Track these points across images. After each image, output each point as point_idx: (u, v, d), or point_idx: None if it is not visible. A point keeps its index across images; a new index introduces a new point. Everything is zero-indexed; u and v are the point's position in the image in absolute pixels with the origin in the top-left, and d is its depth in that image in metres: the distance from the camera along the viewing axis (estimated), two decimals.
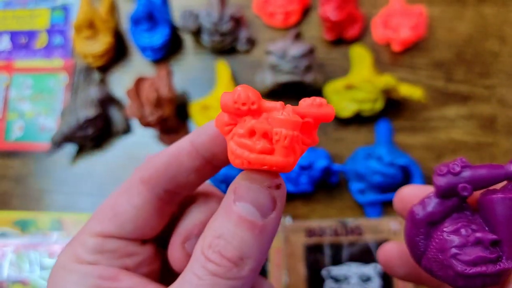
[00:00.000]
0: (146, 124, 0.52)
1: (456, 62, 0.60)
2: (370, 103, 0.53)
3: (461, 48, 0.61)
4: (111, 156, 0.58)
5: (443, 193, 0.19)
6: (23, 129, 0.61)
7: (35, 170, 0.59)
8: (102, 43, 0.59)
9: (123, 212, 0.21)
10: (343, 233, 0.49)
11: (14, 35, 0.66)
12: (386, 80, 0.52)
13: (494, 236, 0.18)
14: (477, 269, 0.18)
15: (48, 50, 0.64)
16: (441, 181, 0.19)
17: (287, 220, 0.51)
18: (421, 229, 0.20)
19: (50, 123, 0.61)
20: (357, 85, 0.53)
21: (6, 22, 0.67)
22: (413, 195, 0.22)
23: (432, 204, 0.20)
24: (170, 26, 0.59)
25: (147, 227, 0.22)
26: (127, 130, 0.59)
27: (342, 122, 0.57)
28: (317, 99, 0.19)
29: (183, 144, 0.21)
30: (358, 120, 0.56)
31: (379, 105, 0.54)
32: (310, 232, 0.50)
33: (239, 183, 0.18)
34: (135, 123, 0.59)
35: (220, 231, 0.18)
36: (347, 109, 0.54)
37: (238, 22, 0.59)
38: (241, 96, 0.18)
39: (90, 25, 0.58)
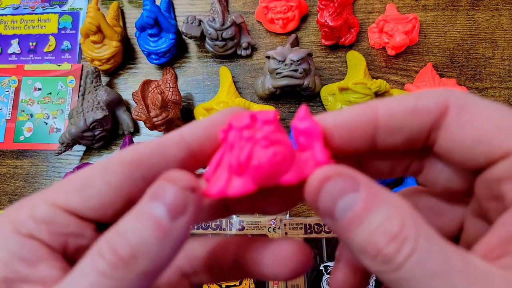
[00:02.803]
0: (151, 126, 0.54)
1: (449, 66, 0.62)
2: None
3: (454, 52, 0.63)
4: None
5: None
6: (32, 131, 0.63)
7: (44, 171, 0.61)
8: (109, 47, 0.61)
9: (93, 186, 0.20)
10: None
11: (22, 40, 0.68)
12: (379, 83, 0.54)
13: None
14: None
15: (56, 54, 0.67)
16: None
17: (286, 217, 0.53)
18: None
19: (59, 125, 0.63)
20: (351, 87, 0.55)
21: (15, 27, 0.69)
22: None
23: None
24: (174, 32, 0.61)
25: (111, 208, 0.20)
26: (134, 131, 0.61)
27: None
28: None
29: (172, 135, 0.21)
30: None
31: None
32: (309, 229, 0.52)
33: (156, 182, 0.18)
34: (142, 125, 0.61)
35: (123, 228, 0.17)
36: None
37: (240, 28, 0.61)
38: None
39: (98, 30, 0.60)
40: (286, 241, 0.23)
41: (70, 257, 0.20)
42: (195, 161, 0.22)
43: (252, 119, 0.19)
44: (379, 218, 0.17)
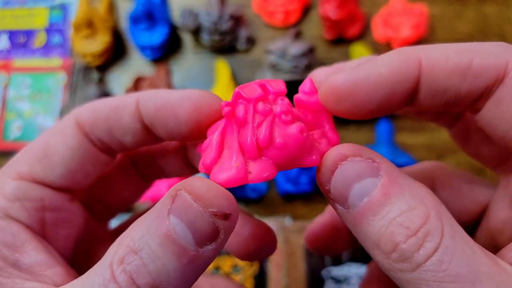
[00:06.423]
0: None
1: None
2: None
3: None
4: None
5: None
6: (22, 129, 0.60)
7: None
8: (100, 42, 0.58)
9: (55, 153, 0.19)
10: None
11: (12, 34, 0.66)
12: None
13: None
14: None
15: (47, 49, 0.64)
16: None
17: (287, 221, 0.50)
18: None
19: (49, 123, 0.60)
20: None
21: (5, 21, 0.66)
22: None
23: None
24: (169, 25, 0.59)
25: (79, 173, 0.19)
26: None
27: (342, 122, 0.56)
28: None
29: (128, 100, 0.19)
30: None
31: None
32: None
33: (181, 193, 0.15)
34: None
35: (141, 244, 0.14)
36: None
37: (237, 21, 0.59)
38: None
39: (89, 24, 0.58)
40: (248, 222, 0.21)
41: (48, 234, 0.19)
42: (152, 136, 0.20)
43: (263, 89, 0.15)
44: (398, 208, 0.14)
